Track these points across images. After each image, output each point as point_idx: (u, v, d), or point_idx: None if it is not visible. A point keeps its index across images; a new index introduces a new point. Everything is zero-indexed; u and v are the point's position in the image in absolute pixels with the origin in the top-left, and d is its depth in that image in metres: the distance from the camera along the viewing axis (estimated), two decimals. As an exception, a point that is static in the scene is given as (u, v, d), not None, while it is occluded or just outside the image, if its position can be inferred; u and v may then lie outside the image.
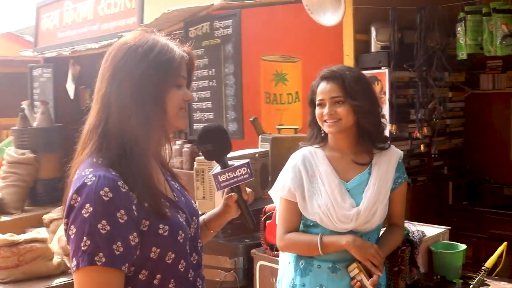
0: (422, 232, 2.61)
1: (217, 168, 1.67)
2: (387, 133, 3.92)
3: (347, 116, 2.20)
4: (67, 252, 4.44)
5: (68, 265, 4.26)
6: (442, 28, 3.76)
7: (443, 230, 2.80)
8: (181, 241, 1.49)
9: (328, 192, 2.21)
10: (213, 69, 5.28)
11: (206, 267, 3.46)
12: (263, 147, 4.14)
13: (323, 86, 2.25)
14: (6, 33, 16.03)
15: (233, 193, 1.68)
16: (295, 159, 2.33)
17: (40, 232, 4.57)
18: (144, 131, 1.45)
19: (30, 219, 6.74)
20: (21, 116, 7.97)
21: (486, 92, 4.92)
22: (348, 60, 4.13)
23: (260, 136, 4.38)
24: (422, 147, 4.01)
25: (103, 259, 1.32)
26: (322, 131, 2.31)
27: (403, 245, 2.42)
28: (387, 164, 2.27)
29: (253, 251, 3.15)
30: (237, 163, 1.66)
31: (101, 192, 1.34)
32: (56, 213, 5.74)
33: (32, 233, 4.60)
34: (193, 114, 5.59)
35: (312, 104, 2.31)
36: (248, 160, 1.67)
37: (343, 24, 4.12)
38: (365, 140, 2.26)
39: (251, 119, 4.55)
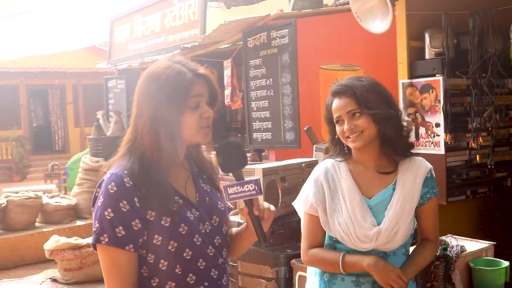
0: (462, 247, 2.49)
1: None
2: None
3: (368, 127, 2.13)
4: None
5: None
6: (497, 32, 3.59)
7: (486, 245, 2.66)
8: (183, 233, 1.73)
9: (349, 210, 2.15)
10: (271, 79, 5.31)
11: (247, 275, 3.51)
12: (317, 156, 4.11)
13: (336, 103, 2.19)
14: (91, 46, 16.88)
15: (245, 207, 1.75)
16: (317, 172, 2.28)
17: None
18: (162, 148, 1.74)
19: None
20: (95, 125, 8.35)
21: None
22: (402, 67, 4.04)
23: (314, 146, 4.35)
24: (478, 157, 3.83)
25: (106, 239, 1.67)
26: (345, 148, 2.25)
27: (437, 260, 2.32)
28: (413, 180, 2.18)
29: (292, 261, 3.13)
30: (248, 178, 1.74)
31: (109, 186, 1.68)
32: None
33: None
34: (252, 123, 5.64)
35: (330, 122, 2.25)
36: (258, 177, 1.75)
37: (396, 31, 4.04)
38: (388, 148, 2.19)
39: (305, 129, 4.53)
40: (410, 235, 2.17)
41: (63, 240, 4.67)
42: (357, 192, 2.18)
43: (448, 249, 2.42)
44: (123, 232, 1.67)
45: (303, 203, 2.27)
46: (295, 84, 5.03)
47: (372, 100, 2.13)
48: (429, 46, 3.86)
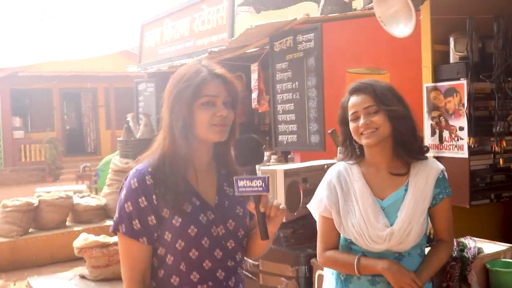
0: (479, 248, 2.50)
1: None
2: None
3: (384, 125, 2.16)
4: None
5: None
6: (522, 36, 3.58)
7: (505, 248, 2.66)
8: (192, 234, 1.82)
9: (362, 211, 2.19)
10: (296, 82, 5.35)
11: (267, 274, 3.56)
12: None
13: (354, 99, 2.22)
14: (123, 51, 17.18)
15: (252, 202, 1.77)
16: (330, 175, 2.32)
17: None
18: (176, 144, 1.84)
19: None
20: (125, 128, 8.50)
21: None
22: (426, 71, 4.05)
23: (338, 148, 4.39)
24: (501, 161, 3.81)
25: (124, 229, 1.82)
26: (357, 149, 2.28)
27: (453, 261, 2.34)
28: (425, 181, 2.20)
29: (312, 260, 3.17)
30: (259, 175, 1.78)
31: (132, 182, 1.82)
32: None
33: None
34: (278, 126, 5.70)
35: (344, 122, 2.28)
36: (267, 175, 1.78)
37: (421, 35, 4.06)
38: (401, 150, 2.22)
39: (329, 132, 4.56)
40: (424, 236, 2.20)
41: (92, 238, 4.79)
42: (369, 194, 2.21)
43: (466, 250, 2.44)
44: (138, 226, 1.80)
45: (317, 205, 2.31)
46: (320, 87, 5.07)
47: (390, 98, 2.19)
48: (454, 50, 3.87)
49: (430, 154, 4.02)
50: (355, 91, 2.24)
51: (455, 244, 2.52)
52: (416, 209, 2.16)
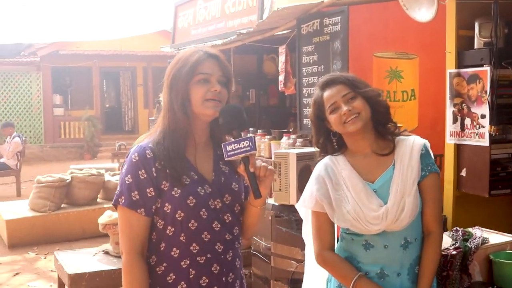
0: (485, 239, 2.47)
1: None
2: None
3: (364, 108, 2.20)
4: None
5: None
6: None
7: (511, 239, 2.62)
8: (191, 205, 1.92)
9: (354, 197, 2.20)
10: (322, 66, 5.31)
11: (278, 256, 3.60)
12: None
13: (329, 92, 2.25)
14: (162, 30, 17.31)
15: (242, 164, 1.90)
16: (317, 170, 2.32)
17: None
18: (176, 120, 1.96)
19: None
20: (157, 107, 8.62)
21: None
22: (450, 57, 3.98)
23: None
24: (522, 150, 3.73)
25: (123, 201, 1.92)
26: (335, 144, 2.30)
27: (454, 250, 2.32)
28: (409, 154, 2.21)
29: (322, 245, 3.18)
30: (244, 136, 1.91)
31: (133, 156, 1.93)
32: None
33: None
34: (303, 109, 5.68)
35: (318, 118, 2.30)
36: (252, 135, 1.94)
37: (446, 19, 3.98)
38: (383, 129, 2.26)
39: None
40: (418, 214, 2.19)
41: (116, 215, 4.89)
42: (359, 179, 2.23)
43: (470, 240, 2.41)
44: (137, 197, 1.91)
45: (308, 201, 2.31)
46: (346, 71, 5.01)
47: (361, 83, 2.26)
48: (478, 36, 3.78)
49: (451, 142, 3.97)
50: (327, 84, 2.27)
51: (460, 234, 2.49)
52: (405, 181, 2.17)
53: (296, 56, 5.69)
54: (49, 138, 18.10)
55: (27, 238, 7.02)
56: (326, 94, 2.25)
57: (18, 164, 10.75)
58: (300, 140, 5.83)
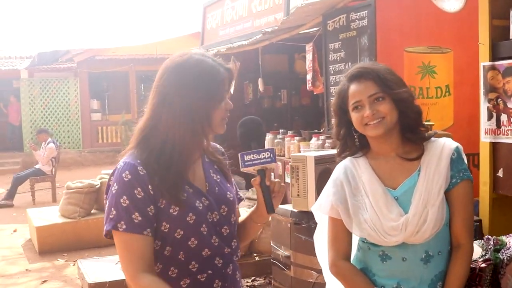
0: (520, 248, 2.21)
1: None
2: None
3: (390, 113, 1.96)
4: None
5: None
6: None
7: (551, 248, 2.35)
8: (191, 222, 1.77)
9: (373, 204, 1.98)
10: (349, 63, 5.10)
11: (299, 266, 3.40)
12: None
13: (356, 87, 2.00)
14: (196, 32, 17.31)
15: (257, 176, 1.83)
16: (337, 172, 2.12)
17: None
18: (189, 138, 1.78)
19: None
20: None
21: None
22: (484, 49, 3.70)
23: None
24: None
25: (124, 226, 1.71)
26: (357, 141, 2.07)
27: (484, 263, 2.08)
28: (437, 159, 1.98)
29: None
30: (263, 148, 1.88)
31: (123, 175, 1.73)
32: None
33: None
34: (331, 109, 5.47)
35: (341, 111, 2.06)
36: (273, 148, 1.92)
37: (478, 8, 3.71)
38: (410, 134, 2.02)
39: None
40: (445, 226, 1.96)
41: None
42: (379, 184, 2.01)
43: (502, 250, 2.16)
44: (139, 218, 1.72)
45: (324, 206, 2.12)
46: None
47: (394, 81, 1.99)
48: (514, 25, 3.51)
49: (486, 140, 3.69)
50: (356, 77, 2.02)
51: (492, 243, 2.24)
52: (430, 190, 1.94)
53: (322, 53, 5.48)
54: (87, 143, 18.27)
55: (57, 245, 6.99)
56: (352, 88, 2.02)
57: (53, 170, 10.82)
58: (329, 141, 5.61)
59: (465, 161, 2.03)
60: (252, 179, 1.86)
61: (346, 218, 2.04)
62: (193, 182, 1.84)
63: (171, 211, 1.75)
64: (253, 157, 1.81)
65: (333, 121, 2.15)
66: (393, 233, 1.94)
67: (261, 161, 1.81)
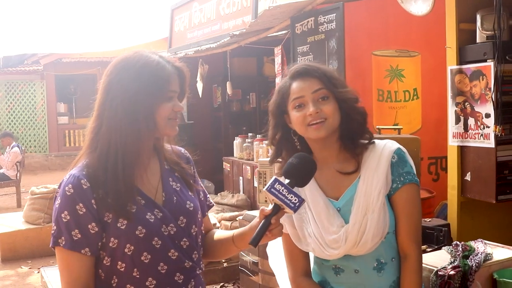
0: (488, 255, 2.18)
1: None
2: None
3: (333, 115, 1.82)
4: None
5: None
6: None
7: (519, 254, 2.33)
8: (140, 235, 1.66)
9: (315, 217, 1.88)
10: (318, 66, 5.06)
11: (266, 273, 3.33)
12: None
13: (299, 84, 1.86)
14: (166, 37, 17.18)
15: (271, 209, 1.71)
16: None
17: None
18: (132, 139, 1.67)
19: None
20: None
21: None
22: (451, 52, 3.71)
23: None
24: (530, 152, 3.45)
25: (64, 242, 1.64)
26: (297, 144, 1.91)
27: (452, 270, 2.04)
28: (376, 163, 1.85)
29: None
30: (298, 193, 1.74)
31: (66, 188, 1.65)
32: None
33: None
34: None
35: (279, 112, 1.91)
36: (304, 200, 1.74)
37: (445, 12, 3.71)
38: (349, 142, 1.89)
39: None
40: (391, 234, 1.85)
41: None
42: (320, 196, 1.89)
43: (471, 257, 2.13)
44: (79, 236, 1.64)
45: None
46: (342, 70, 4.76)
47: (340, 82, 1.89)
48: (480, 29, 3.52)
49: (454, 144, 3.69)
50: (300, 74, 1.87)
51: (460, 249, 2.21)
52: (369, 196, 1.82)
53: (291, 57, 5.44)
54: (54, 147, 17.93)
55: (21, 252, 6.79)
56: (295, 85, 1.87)
57: (18, 175, 10.56)
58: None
59: (409, 163, 1.89)
60: (262, 207, 1.75)
61: (293, 233, 1.93)
62: (146, 193, 1.73)
63: (118, 225, 1.65)
64: (282, 190, 1.69)
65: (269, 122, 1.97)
66: (334, 246, 1.84)
67: (285, 200, 1.68)
